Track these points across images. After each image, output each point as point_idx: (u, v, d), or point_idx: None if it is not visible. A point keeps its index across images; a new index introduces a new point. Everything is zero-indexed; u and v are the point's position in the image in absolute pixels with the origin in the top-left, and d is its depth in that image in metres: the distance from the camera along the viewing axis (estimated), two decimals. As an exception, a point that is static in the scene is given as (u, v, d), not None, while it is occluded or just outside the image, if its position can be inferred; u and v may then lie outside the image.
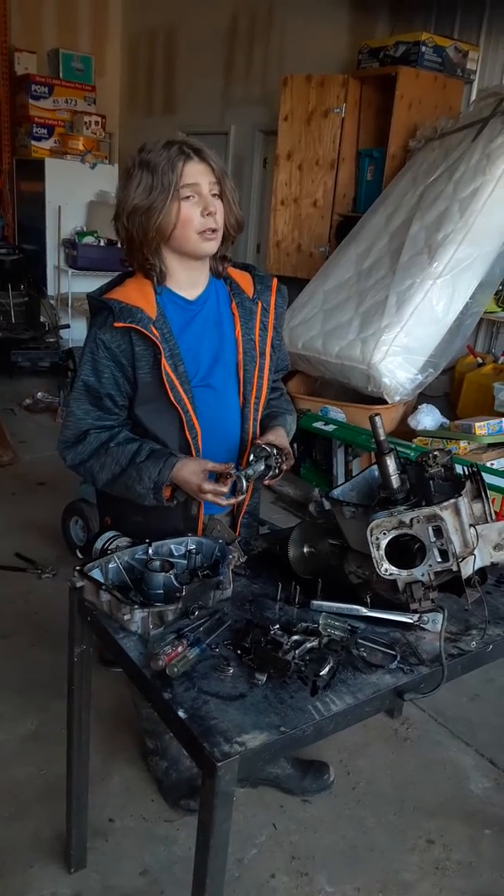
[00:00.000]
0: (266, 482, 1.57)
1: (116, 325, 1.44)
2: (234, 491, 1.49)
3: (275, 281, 1.68)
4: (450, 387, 4.20)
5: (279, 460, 1.54)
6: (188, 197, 1.43)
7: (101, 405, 1.52)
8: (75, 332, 6.19)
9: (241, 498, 1.51)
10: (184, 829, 1.85)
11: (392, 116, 4.16)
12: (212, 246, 1.49)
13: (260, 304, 1.62)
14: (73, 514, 3.07)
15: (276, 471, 1.55)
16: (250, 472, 1.50)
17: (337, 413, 3.82)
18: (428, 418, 3.69)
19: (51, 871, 1.72)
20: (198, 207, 1.44)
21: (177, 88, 6.52)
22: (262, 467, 1.52)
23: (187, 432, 1.53)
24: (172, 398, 1.49)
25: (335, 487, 1.54)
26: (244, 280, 1.64)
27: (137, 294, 1.49)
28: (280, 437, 1.61)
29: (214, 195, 1.47)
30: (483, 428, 3.39)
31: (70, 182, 6.30)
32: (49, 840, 1.79)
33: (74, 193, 6.32)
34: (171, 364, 1.49)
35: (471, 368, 4.03)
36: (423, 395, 3.96)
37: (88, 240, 6.17)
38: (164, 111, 6.73)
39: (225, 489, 1.46)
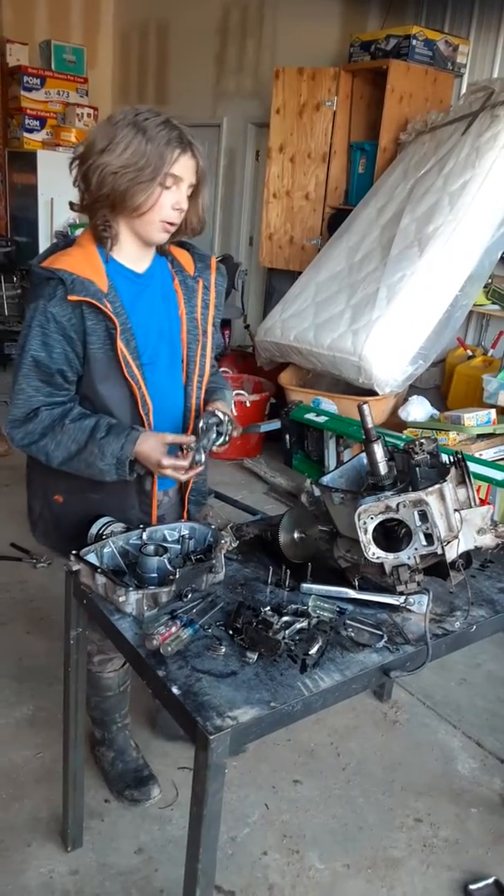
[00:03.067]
0: (215, 449, 1.55)
1: (71, 298, 1.40)
2: (191, 464, 1.48)
3: (213, 259, 1.69)
4: (441, 379, 4.24)
5: (229, 427, 1.55)
6: (169, 186, 1.44)
7: (52, 381, 1.47)
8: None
9: (199, 469, 1.51)
10: (178, 809, 1.89)
11: (383, 109, 4.18)
12: (164, 238, 1.52)
13: (201, 282, 1.63)
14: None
15: (227, 437, 1.55)
16: (205, 442, 1.48)
17: (329, 404, 3.86)
18: (418, 410, 3.73)
19: (48, 850, 1.76)
20: (172, 199, 1.45)
21: (169, 80, 6.52)
22: (215, 435, 1.51)
23: (140, 408, 1.51)
24: (126, 374, 1.47)
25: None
26: (184, 258, 1.64)
27: (86, 265, 1.46)
28: (224, 406, 1.62)
29: (188, 195, 1.49)
30: (472, 419, 3.44)
31: (62, 174, 6.11)
32: (46, 820, 1.84)
33: (67, 186, 6.19)
34: (125, 339, 1.47)
35: (461, 361, 4.07)
36: (415, 388, 4.01)
37: (81, 232, 6.16)
38: (157, 103, 6.72)
39: (185, 463, 1.46)
